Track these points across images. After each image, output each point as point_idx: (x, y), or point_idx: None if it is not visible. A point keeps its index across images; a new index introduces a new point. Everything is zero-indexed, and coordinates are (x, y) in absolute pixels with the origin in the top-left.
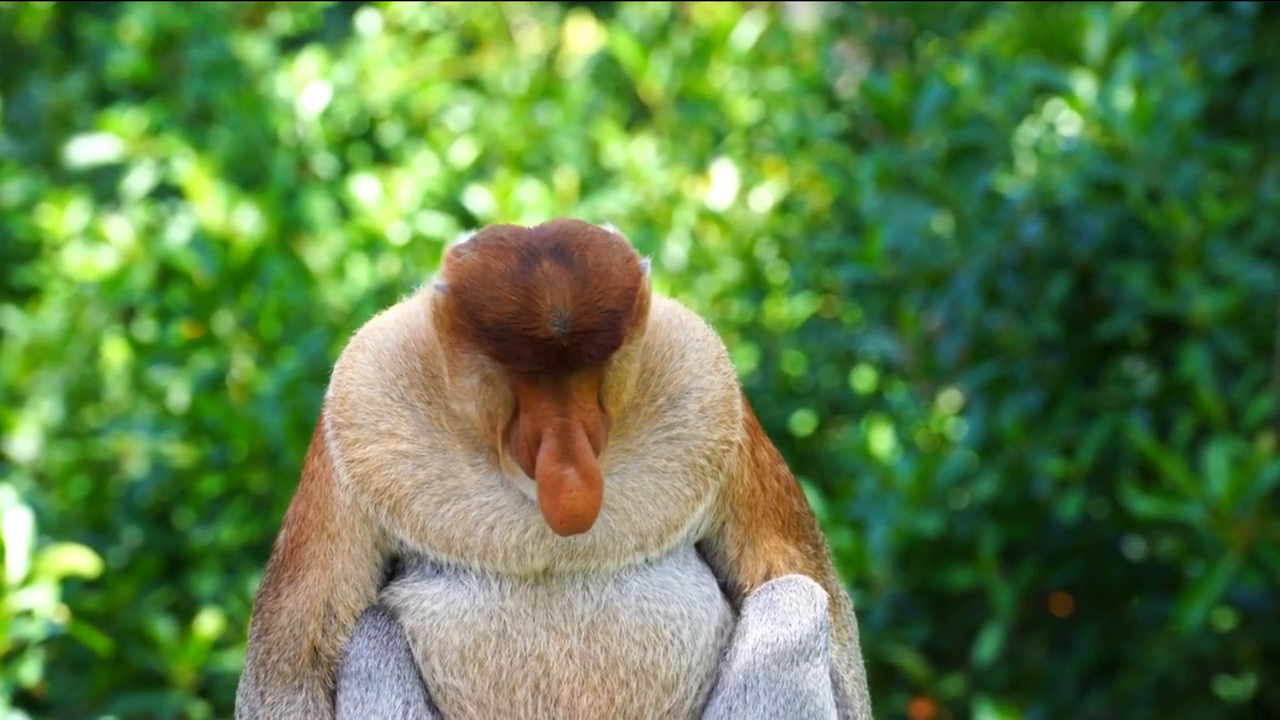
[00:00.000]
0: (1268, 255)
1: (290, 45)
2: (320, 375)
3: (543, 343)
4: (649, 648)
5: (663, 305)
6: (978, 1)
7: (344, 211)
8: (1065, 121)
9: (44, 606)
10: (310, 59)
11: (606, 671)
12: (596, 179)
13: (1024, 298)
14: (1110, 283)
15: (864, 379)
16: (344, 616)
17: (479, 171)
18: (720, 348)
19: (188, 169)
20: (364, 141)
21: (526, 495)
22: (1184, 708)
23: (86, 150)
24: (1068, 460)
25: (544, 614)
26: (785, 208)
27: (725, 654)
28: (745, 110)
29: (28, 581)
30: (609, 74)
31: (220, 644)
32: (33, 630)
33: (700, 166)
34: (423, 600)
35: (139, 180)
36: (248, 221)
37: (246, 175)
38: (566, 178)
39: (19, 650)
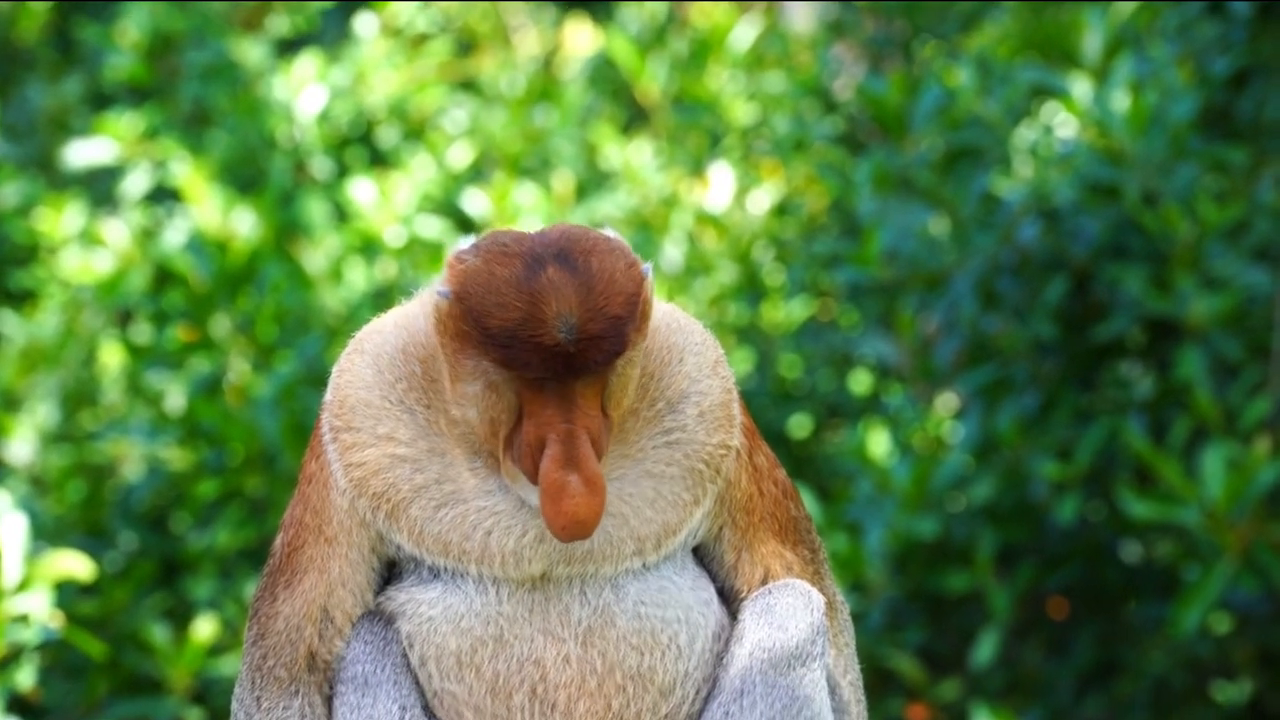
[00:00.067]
0: (1264, 257)
1: (287, 48)
2: (317, 378)
3: (549, 349)
4: (646, 653)
5: (661, 309)
6: (975, 1)
7: (341, 214)
8: (1062, 124)
9: (39, 611)
10: (307, 62)
11: (604, 676)
12: (594, 181)
13: (1021, 300)
14: (1107, 285)
15: (861, 382)
16: (340, 621)
17: (476, 174)
18: (718, 352)
19: (184, 172)
20: (361, 144)
21: (526, 501)
22: (1181, 711)
23: (83, 153)
24: (1064, 463)
25: (541, 619)
26: (782, 210)
27: (722, 659)
28: (742, 112)
29: (23, 586)
30: (606, 76)
31: (216, 649)
32: (28, 635)
33: (697, 169)
34: (420, 605)
35: (136, 183)
36: (244, 224)
37: (243, 178)
38: (564, 180)
39: (14, 655)
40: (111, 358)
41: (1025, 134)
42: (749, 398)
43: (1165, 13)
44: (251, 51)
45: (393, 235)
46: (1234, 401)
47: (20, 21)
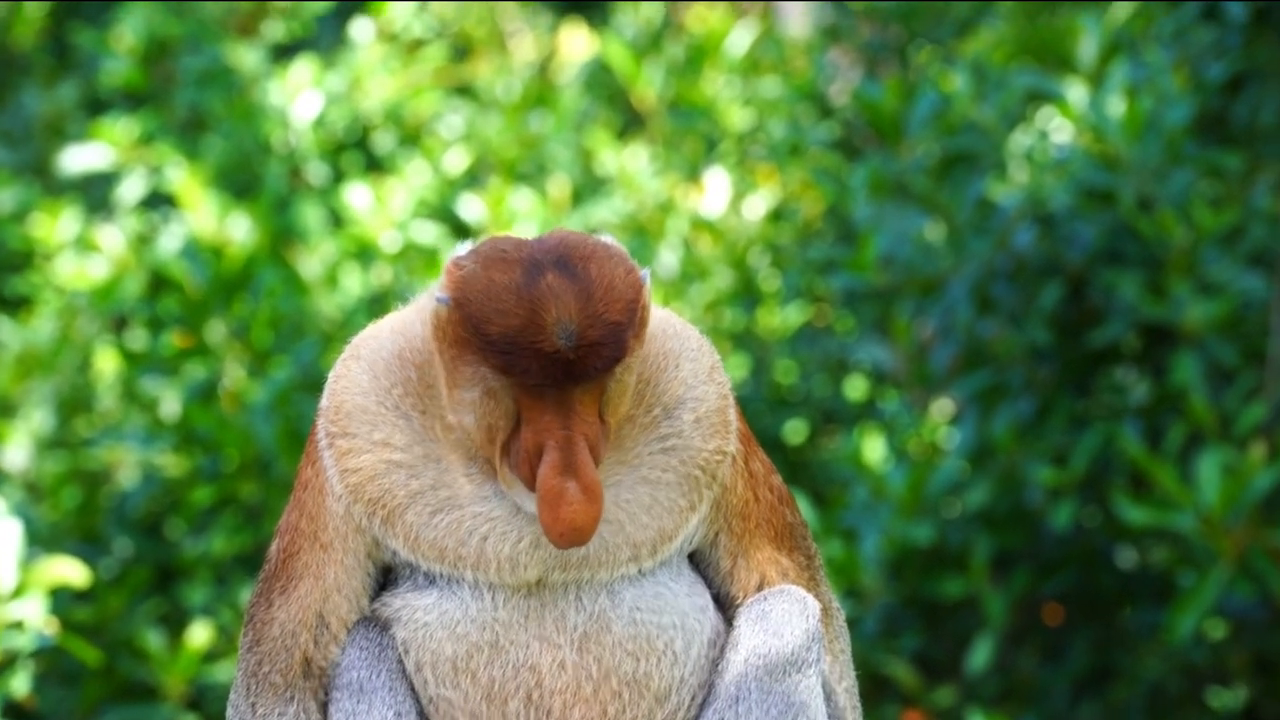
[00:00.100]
0: (1259, 263)
1: (283, 53)
2: (312, 385)
3: (548, 356)
4: (642, 659)
5: (658, 315)
6: (969, 1)
7: (336, 220)
8: (1057, 129)
9: (34, 618)
10: (303, 67)
11: (599, 682)
12: (589, 187)
13: (1016, 306)
14: (1102, 291)
15: (856, 387)
16: (336, 627)
17: (472, 179)
18: (714, 357)
19: (180, 178)
20: (356, 150)
21: (522, 507)
22: (1176, 717)
23: (78, 159)
24: (1059, 469)
25: (537, 625)
26: (778, 216)
27: (718, 665)
28: (738, 118)
29: (18, 593)
30: (602, 81)
31: (211, 655)
32: (23, 642)
33: (693, 174)
34: (415, 611)
35: (131, 189)
36: (240, 230)
37: (239, 184)
38: (559, 186)
39: (9, 662)
40: (106, 364)
41: (1021, 139)
42: (744, 403)
43: (1161, 18)
44: (247, 57)
45: (388, 241)
46: (1229, 407)
47: (16, 27)
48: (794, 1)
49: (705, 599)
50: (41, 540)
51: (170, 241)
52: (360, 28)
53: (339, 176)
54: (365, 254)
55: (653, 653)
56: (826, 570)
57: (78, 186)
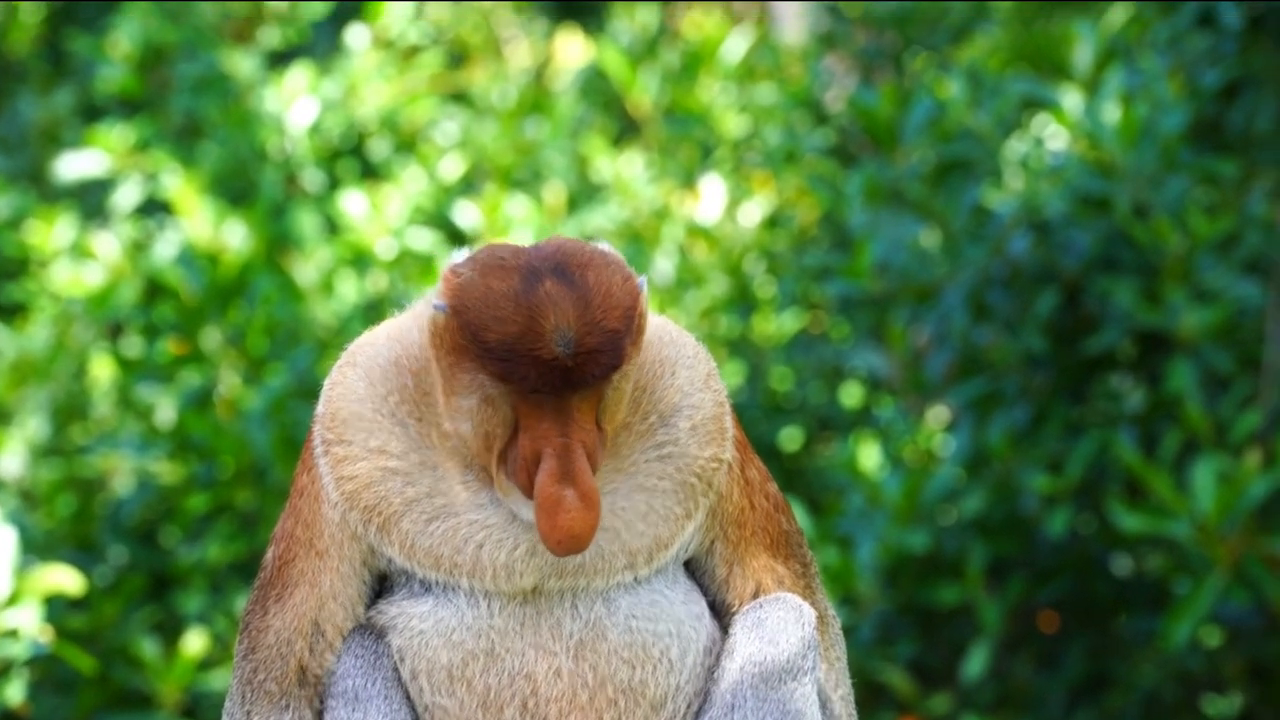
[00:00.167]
0: (1255, 270)
1: (278, 60)
2: (308, 391)
3: (547, 363)
4: (637, 666)
5: (653, 322)
6: (966, 1)
7: (332, 227)
8: (1053, 136)
9: (29, 626)
10: (298, 74)
11: (595, 690)
12: (585, 194)
13: (1012, 313)
14: (1098, 298)
15: (852, 395)
16: (331, 635)
17: (467, 186)
18: (710, 365)
19: (175, 184)
20: (352, 156)
21: (519, 515)
22: None
23: (74, 166)
24: (1055, 476)
25: (532, 632)
26: (773, 222)
27: (714, 673)
28: (733, 125)
29: (13, 601)
30: (597, 88)
31: (206, 663)
32: (17, 650)
33: (688, 181)
34: (411, 619)
35: (127, 196)
36: (235, 237)
37: (234, 190)
38: (555, 192)
39: (4, 670)
40: (102, 371)
41: (1016, 146)
42: (740, 410)
43: (1156, 25)
44: (243, 64)
45: (384, 247)
46: (1225, 414)
47: (11, 33)
48: (790, 1)
49: (701, 606)
50: (36, 548)
51: (166, 248)
52: (356, 34)
53: (334, 183)
54: (361, 261)
55: (648, 660)
56: (822, 578)
57: (73, 193)
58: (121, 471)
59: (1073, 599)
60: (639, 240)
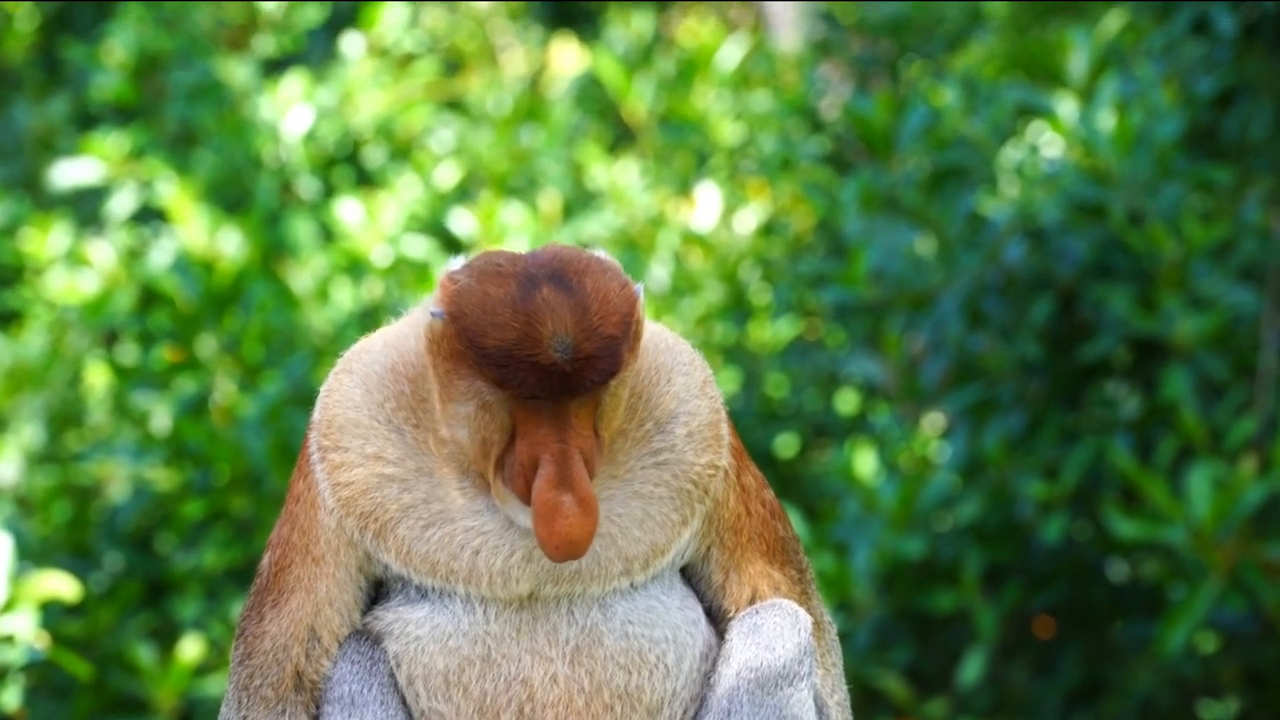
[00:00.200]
0: (1250, 277)
1: (273, 68)
2: (303, 399)
3: (545, 369)
4: (634, 672)
5: (650, 329)
6: (961, 1)
7: (327, 234)
8: (1048, 143)
9: (25, 632)
10: (293, 81)
11: (591, 696)
12: (580, 201)
13: (1007, 320)
14: (1093, 305)
15: (847, 401)
16: (328, 641)
17: (462, 194)
18: (707, 372)
19: (170, 192)
20: (347, 164)
21: (516, 521)
22: None
23: (69, 173)
24: (1050, 483)
25: (529, 638)
26: (769, 230)
27: (710, 679)
28: (729, 132)
29: (9, 607)
30: (593, 96)
31: (202, 669)
32: (13, 656)
33: (684, 188)
34: (407, 625)
35: (121, 203)
36: (231, 244)
37: (229, 198)
38: (550, 200)
39: (0, 676)
40: (97, 378)
41: (1011, 154)
42: (735, 417)
43: (1151, 32)
44: (237, 71)
45: (379, 255)
46: (1220, 421)
47: (6, 41)
48: (786, 1)
49: (697, 612)
50: (32, 554)
51: (161, 256)
52: (351, 42)
53: (330, 191)
54: (356, 268)
55: (645, 666)
56: (818, 584)
57: (68, 201)
58: (117, 478)
59: (1068, 605)
60: (634, 248)
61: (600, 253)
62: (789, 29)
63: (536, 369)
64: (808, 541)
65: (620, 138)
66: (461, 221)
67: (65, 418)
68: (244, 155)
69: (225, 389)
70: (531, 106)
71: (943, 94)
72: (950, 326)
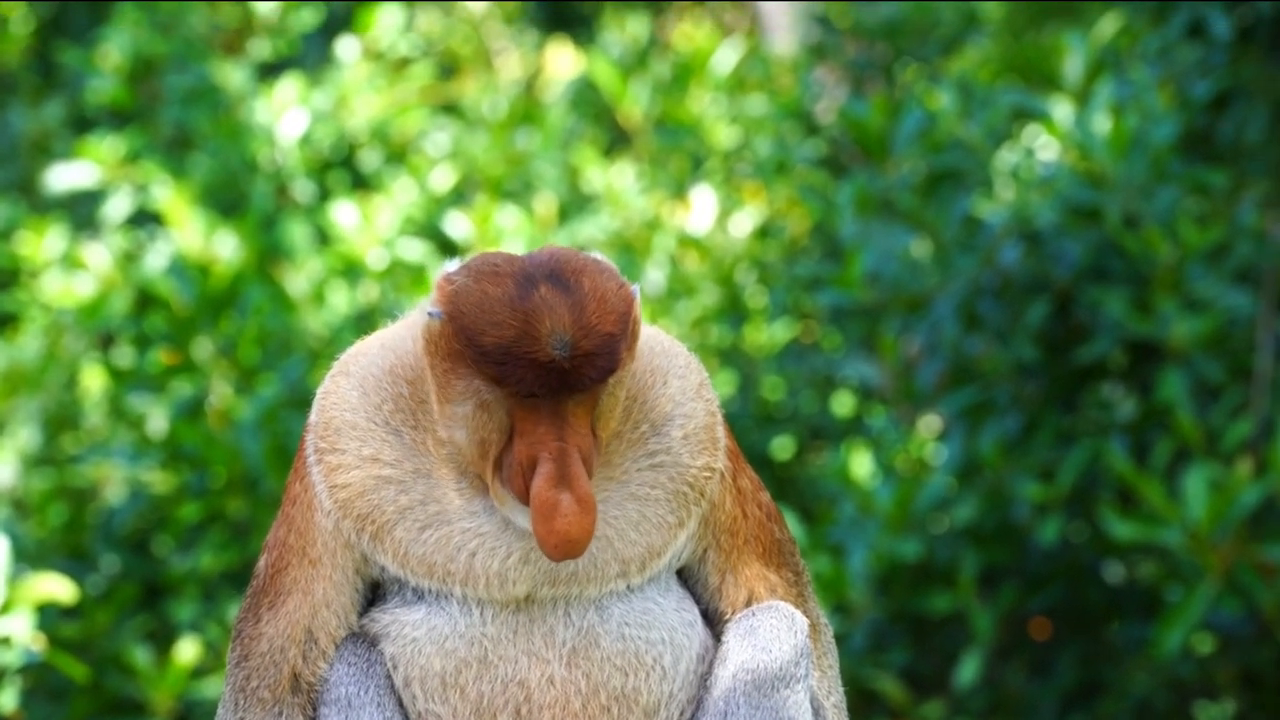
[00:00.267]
0: (1245, 279)
1: (269, 72)
2: (300, 401)
3: (543, 366)
4: (630, 673)
5: (646, 332)
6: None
7: (323, 237)
8: (1043, 146)
9: (21, 634)
10: (289, 85)
11: (588, 697)
12: (576, 204)
13: (1003, 322)
14: (1088, 307)
15: (843, 404)
16: (324, 643)
17: (458, 197)
18: (702, 374)
19: (166, 195)
20: (343, 168)
21: (513, 521)
22: None
23: (64, 177)
24: (1047, 485)
25: (525, 640)
26: (764, 233)
27: (706, 680)
28: (724, 135)
29: (5, 609)
30: (588, 99)
31: (199, 671)
32: (10, 658)
33: (679, 192)
34: (404, 626)
35: (117, 207)
36: (226, 248)
37: (225, 201)
38: (546, 203)
39: None
40: (93, 381)
41: (1007, 157)
42: (731, 420)
43: (1146, 36)
44: (233, 75)
45: (375, 258)
46: (1216, 423)
47: (1, 44)
48: (782, 1)
49: (694, 614)
50: (28, 557)
51: (157, 259)
52: (346, 46)
53: (325, 194)
54: (352, 271)
55: (641, 668)
56: (814, 586)
57: (64, 204)
58: (113, 481)
59: (1065, 607)
60: (630, 251)
61: (596, 254)
62: (784, 32)
63: (535, 366)
64: (804, 543)
65: (615, 141)
66: (457, 225)
67: (61, 420)
68: (239, 159)
69: (221, 392)
70: (527, 110)
71: (938, 97)
72: (946, 329)
